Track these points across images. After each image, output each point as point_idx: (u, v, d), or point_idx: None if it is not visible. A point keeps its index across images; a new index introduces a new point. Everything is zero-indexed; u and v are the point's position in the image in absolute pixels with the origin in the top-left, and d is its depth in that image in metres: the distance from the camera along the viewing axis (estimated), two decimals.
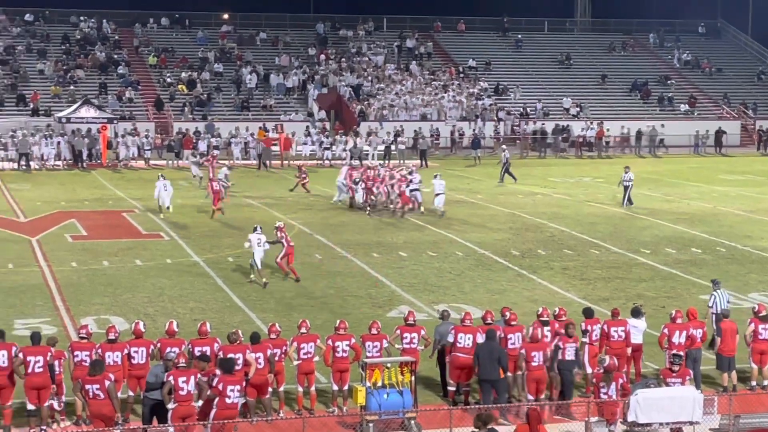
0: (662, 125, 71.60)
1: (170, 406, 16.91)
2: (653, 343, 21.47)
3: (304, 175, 47.74)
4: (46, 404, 18.11)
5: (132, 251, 33.75)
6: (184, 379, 16.95)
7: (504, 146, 59.53)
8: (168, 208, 41.55)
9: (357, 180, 42.53)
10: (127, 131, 61.42)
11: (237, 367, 18.01)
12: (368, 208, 41.40)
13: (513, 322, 20.22)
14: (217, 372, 17.41)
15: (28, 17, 78.69)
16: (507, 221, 40.38)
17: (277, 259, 29.96)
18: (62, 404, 18.54)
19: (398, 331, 20.06)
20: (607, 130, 69.67)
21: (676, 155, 69.44)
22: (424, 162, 59.19)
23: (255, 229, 29.97)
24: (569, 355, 19.58)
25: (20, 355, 17.95)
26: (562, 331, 19.82)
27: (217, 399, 17.12)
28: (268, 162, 59.87)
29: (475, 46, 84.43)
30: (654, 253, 34.24)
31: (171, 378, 16.97)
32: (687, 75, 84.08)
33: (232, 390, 17.16)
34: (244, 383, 17.57)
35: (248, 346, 18.64)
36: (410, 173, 42.40)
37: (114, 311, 26.01)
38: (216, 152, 54.70)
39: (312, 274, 30.82)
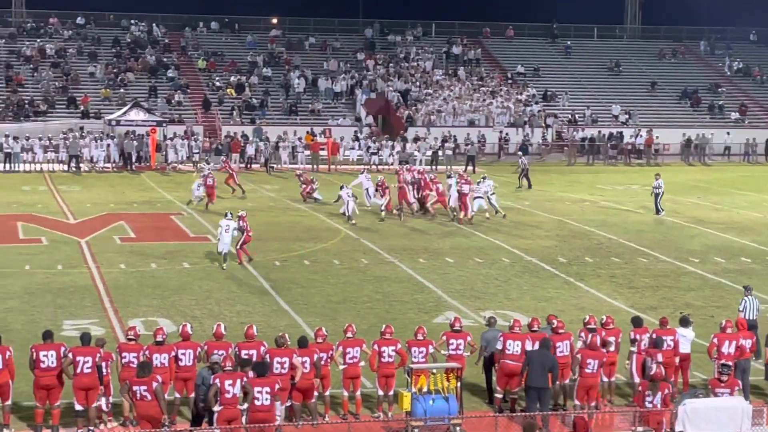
0: (728, 133, 71.29)
1: (216, 408, 16.96)
2: (701, 352, 21.29)
3: (305, 185, 46.49)
4: (94, 405, 18.22)
5: (180, 254, 33.93)
6: (230, 382, 16.98)
7: (520, 152, 59.39)
8: (191, 201, 43.83)
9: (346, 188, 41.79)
10: (177, 134, 61.86)
11: (284, 370, 18.10)
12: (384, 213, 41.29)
13: (560, 330, 20.10)
14: (249, 374, 17.46)
15: (79, 20, 79.49)
16: (554, 228, 40.20)
17: (236, 246, 32.11)
18: (110, 405, 18.67)
19: (444, 337, 20.00)
20: (656, 137, 69.20)
21: (725, 163, 68.89)
22: (472, 168, 59.07)
23: (225, 215, 32.54)
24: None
25: (69, 355, 18.08)
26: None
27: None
28: (274, 166, 59.88)
29: (524, 52, 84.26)
30: (703, 262, 33.95)
31: (217, 381, 17.02)
32: (738, 83, 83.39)
33: (260, 392, 17.14)
34: (276, 386, 17.45)
35: (295, 350, 18.65)
36: (483, 179, 42.44)
37: (161, 313, 26.15)
38: (224, 158, 54.87)
39: (358, 278, 30.86)
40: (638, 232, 39.52)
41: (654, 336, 20.28)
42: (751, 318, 22.55)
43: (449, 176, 43.50)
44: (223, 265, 31.67)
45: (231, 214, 32.62)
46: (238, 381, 17.04)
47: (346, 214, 40.32)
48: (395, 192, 42.32)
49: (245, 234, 32.15)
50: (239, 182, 48.26)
